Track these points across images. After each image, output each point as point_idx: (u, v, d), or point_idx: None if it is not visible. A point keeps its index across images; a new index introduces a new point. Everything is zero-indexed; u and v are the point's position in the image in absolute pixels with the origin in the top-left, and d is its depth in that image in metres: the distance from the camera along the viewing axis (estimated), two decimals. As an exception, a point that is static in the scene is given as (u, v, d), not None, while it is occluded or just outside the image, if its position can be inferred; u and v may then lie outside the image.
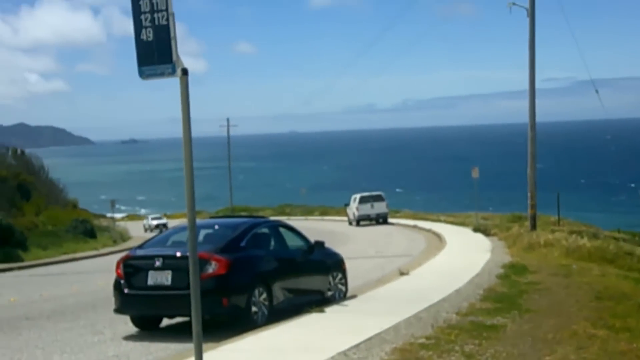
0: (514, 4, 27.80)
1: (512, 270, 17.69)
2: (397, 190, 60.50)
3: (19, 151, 70.10)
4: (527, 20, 28.04)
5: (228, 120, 77.25)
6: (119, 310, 12.04)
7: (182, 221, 9.31)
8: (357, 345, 9.62)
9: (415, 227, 43.21)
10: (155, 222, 58.63)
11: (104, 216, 59.70)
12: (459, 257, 22.49)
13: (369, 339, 10.01)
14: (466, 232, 33.00)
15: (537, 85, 28.85)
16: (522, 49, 29.61)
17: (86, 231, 40.98)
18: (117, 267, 12.06)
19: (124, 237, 44.52)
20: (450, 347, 9.36)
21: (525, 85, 28.67)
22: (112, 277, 12.26)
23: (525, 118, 29.05)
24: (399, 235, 38.59)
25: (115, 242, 41.79)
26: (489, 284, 15.45)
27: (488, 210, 52.15)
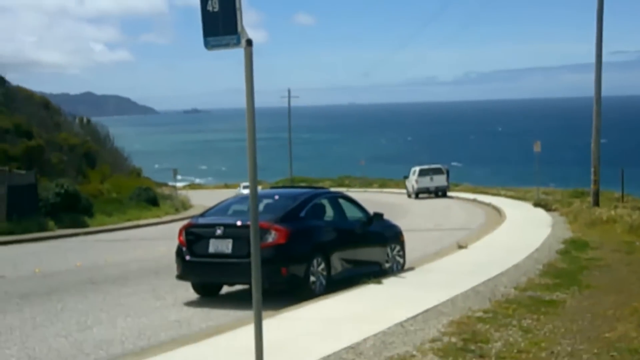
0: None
1: (573, 246, 17.48)
2: (454, 163, 60.07)
3: (85, 120, 71.74)
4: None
5: (289, 91, 77.55)
6: (180, 276, 12.32)
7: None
8: (414, 317, 9.68)
9: (474, 200, 42.88)
10: (246, 191, 58.95)
11: (166, 184, 60.60)
12: (519, 231, 22.29)
13: (426, 311, 10.06)
14: (526, 207, 32.62)
15: (604, 58, 28.20)
16: (589, 21, 28.94)
17: (149, 199, 41.74)
18: (180, 234, 12.33)
19: (185, 205, 45.18)
20: (508, 322, 9.35)
21: (592, 59, 28.08)
22: (174, 244, 12.53)
23: (590, 92, 28.48)
24: (458, 208, 38.36)
25: (177, 210, 42.47)
26: (549, 259, 15.31)
27: (549, 186, 51.35)
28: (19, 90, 62.71)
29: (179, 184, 64.28)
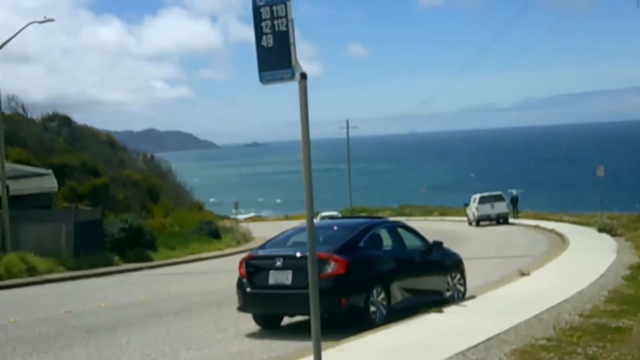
0: (641, -4, 26.73)
1: (639, 272, 17.06)
2: (512, 190, 59.72)
3: (148, 156, 73.22)
4: (655, 11, 27.00)
5: (347, 121, 77.84)
6: (241, 308, 12.43)
7: (302, 222, 9.60)
8: (475, 346, 9.59)
9: (537, 227, 42.22)
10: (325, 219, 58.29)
11: (227, 217, 61.25)
12: (583, 257, 21.87)
13: (488, 340, 9.95)
14: (590, 232, 31.98)
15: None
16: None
17: (211, 232, 42.30)
18: (240, 266, 12.47)
19: (246, 237, 45.59)
20: (572, 349, 9.18)
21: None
22: (236, 276, 12.67)
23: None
24: (520, 235, 37.82)
25: (238, 243, 42.88)
26: (614, 286, 14.99)
27: (614, 210, 50.23)
28: (85, 129, 64.49)
29: (240, 217, 64.90)
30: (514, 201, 53.06)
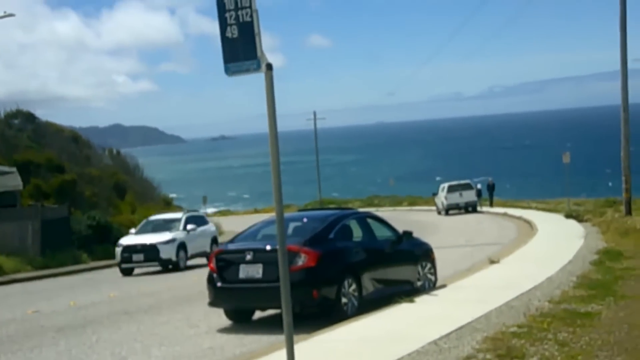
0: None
1: (607, 257, 17.24)
2: (480, 179, 60.19)
3: (114, 151, 72.49)
4: (618, -1, 27.24)
5: (315, 113, 77.65)
6: (212, 303, 12.35)
7: (272, 215, 9.54)
8: (447, 335, 9.61)
9: (505, 214, 42.59)
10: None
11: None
12: (551, 244, 22.07)
13: (460, 328, 9.98)
14: (558, 219, 32.30)
15: (630, 65, 28.00)
16: (613, 29, 28.75)
17: (180, 227, 41.94)
18: (210, 261, 12.39)
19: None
20: (543, 336, 9.24)
21: (618, 66, 27.87)
22: (206, 271, 12.58)
23: (618, 100, 28.24)
24: (489, 223, 38.10)
25: (207, 237, 42.58)
26: (583, 271, 15.13)
27: (580, 196, 50.84)
28: (49, 125, 63.60)
29: (209, 211, 64.60)
30: (490, 189, 52.64)
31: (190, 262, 26.27)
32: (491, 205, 51.07)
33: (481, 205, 50.81)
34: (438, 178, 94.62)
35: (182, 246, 25.44)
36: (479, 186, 52.41)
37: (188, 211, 28.82)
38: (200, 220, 27.80)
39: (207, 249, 26.58)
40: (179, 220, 26.67)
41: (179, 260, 25.18)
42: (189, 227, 26.22)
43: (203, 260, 25.90)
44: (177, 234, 25.61)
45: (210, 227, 28.39)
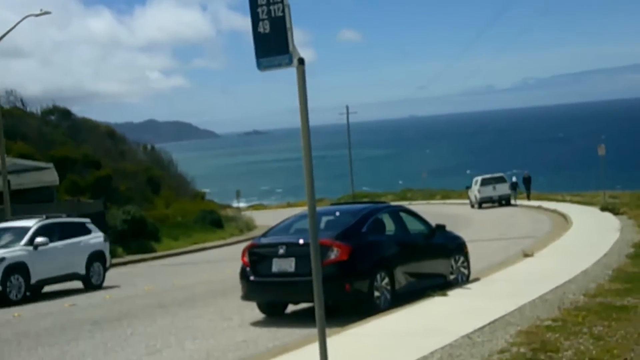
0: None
1: (643, 250, 17.03)
2: (514, 171, 59.74)
3: (149, 147, 73.20)
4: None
5: (347, 107, 77.80)
6: (245, 297, 12.42)
7: (304, 209, 9.57)
8: (481, 328, 9.57)
9: (539, 207, 42.21)
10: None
11: (229, 206, 61.32)
12: (586, 237, 21.84)
13: (493, 322, 9.93)
14: (593, 212, 31.94)
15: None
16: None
17: (213, 221, 42.30)
18: (243, 255, 12.45)
19: (249, 226, 45.61)
20: (578, 329, 9.16)
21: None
22: (239, 265, 12.66)
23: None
24: (523, 216, 37.80)
25: (241, 232, 42.91)
26: (618, 264, 14.96)
27: (616, 189, 50.20)
28: (84, 121, 64.45)
29: (242, 205, 64.88)
30: (527, 181, 51.87)
31: (55, 288, 19.94)
32: (528, 198, 50.49)
33: (515, 199, 50.29)
34: (468, 171, 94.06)
35: (16, 269, 17.86)
36: (514, 179, 51.91)
37: (47, 217, 19.96)
38: (69, 230, 20.17)
39: (80, 270, 19.85)
40: (26, 230, 18.91)
41: (9, 289, 17.59)
42: (39, 240, 18.58)
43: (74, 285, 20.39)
44: (12, 251, 18.16)
45: (91, 239, 20.63)
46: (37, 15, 28.58)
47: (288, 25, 7.50)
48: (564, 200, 43.35)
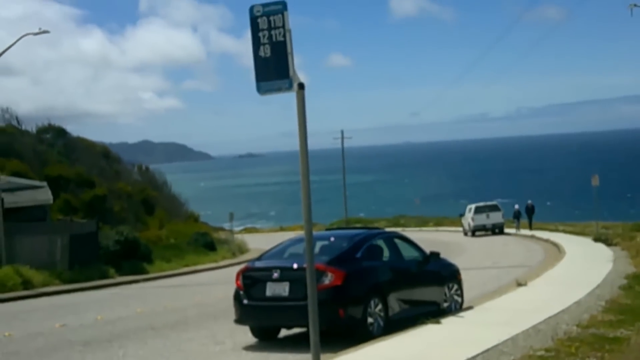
0: (635, 5, 26.84)
1: (636, 281, 17.05)
2: (506, 200, 59.96)
3: (143, 167, 73.14)
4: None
5: (342, 132, 77.84)
6: (238, 320, 12.38)
7: (299, 233, 9.58)
8: (474, 357, 9.56)
9: (532, 237, 42.25)
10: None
11: (222, 229, 61.13)
12: (579, 267, 21.87)
13: (486, 351, 9.92)
14: (586, 242, 31.99)
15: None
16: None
17: (206, 244, 42.16)
18: (237, 278, 12.42)
19: (242, 249, 45.44)
20: (571, 360, 9.16)
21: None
22: (232, 288, 12.62)
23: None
24: (516, 245, 37.82)
25: (234, 255, 42.74)
26: (611, 295, 14.98)
27: (609, 220, 50.27)
28: (79, 140, 64.39)
29: (235, 228, 64.72)
30: (529, 211, 50.26)
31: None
32: (530, 227, 49.08)
33: (519, 228, 49.35)
34: (463, 200, 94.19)
35: None
36: (516, 207, 51.27)
37: None
38: None
39: None
40: None
41: None
42: None
43: None
44: None
45: None
46: (35, 34, 28.66)
47: (289, 50, 7.57)
48: (556, 230, 43.40)
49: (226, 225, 62.78)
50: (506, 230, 49.83)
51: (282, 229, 73.87)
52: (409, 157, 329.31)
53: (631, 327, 11.32)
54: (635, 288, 15.96)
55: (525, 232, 47.30)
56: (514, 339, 10.70)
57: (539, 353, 9.64)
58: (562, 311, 13.20)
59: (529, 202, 50.96)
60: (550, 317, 12.53)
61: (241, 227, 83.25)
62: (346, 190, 75.04)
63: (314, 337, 7.07)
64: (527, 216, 50.89)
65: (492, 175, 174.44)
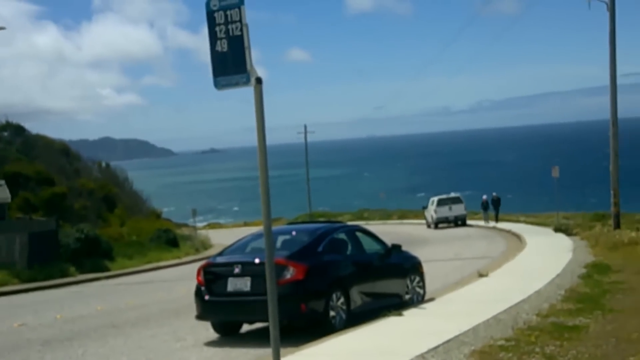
0: (592, -3, 27.20)
1: (595, 270, 17.32)
2: (468, 192, 60.41)
3: (104, 164, 72.38)
4: (607, 14, 27.43)
5: (305, 126, 77.81)
6: (200, 316, 12.30)
7: (260, 228, 9.56)
8: (435, 348, 9.60)
9: (494, 228, 42.65)
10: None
11: (185, 225, 60.79)
12: (540, 257, 22.12)
13: (448, 342, 9.97)
14: (547, 232, 32.40)
15: (618, 81, 28.23)
16: (602, 45, 28.95)
17: (169, 240, 41.83)
18: (198, 274, 12.33)
19: (205, 245, 45.18)
20: (531, 349, 9.25)
21: (606, 81, 28.06)
22: (194, 284, 12.54)
23: (606, 115, 28.41)
24: (478, 237, 38.15)
25: (197, 251, 42.49)
26: (571, 284, 15.18)
27: (569, 210, 50.92)
28: (38, 138, 63.51)
29: (199, 224, 64.37)
30: (496, 203, 49.82)
31: None
32: (497, 220, 48.65)
33: (488, 220, 49.28)
34: (421, 194, 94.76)
35: None
36: (484, 197, 51.05)
37: None
38: None
39: None
40: None
41: None
42: None
43: None
44: None
45: None
46: (-9, 30, 28.17)
47: (246, 44, 7.50)
48: (518, 221, 43.89)
49: (189, 222, 62.47)
50: (477, 222, 50.06)
51: (246, 224, 73.62)
52: (373, 151, 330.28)
53: (590, 316, 11.47)
54: (593, 277, 16.20)
55: (493, 223, 47.27)
56: (474, 329, 10.77)
57: (500, 342, 9.71)
58: (523, 301, 13.33)
59: (494, 194, 51.10)
60: (510, 307, 12.65)
61: (205, 223, 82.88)
62: (310, 184, 75.02)
63: (273, 332, 7.03)
64: (494, 208, 50.93)
65: (454, 168, 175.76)
